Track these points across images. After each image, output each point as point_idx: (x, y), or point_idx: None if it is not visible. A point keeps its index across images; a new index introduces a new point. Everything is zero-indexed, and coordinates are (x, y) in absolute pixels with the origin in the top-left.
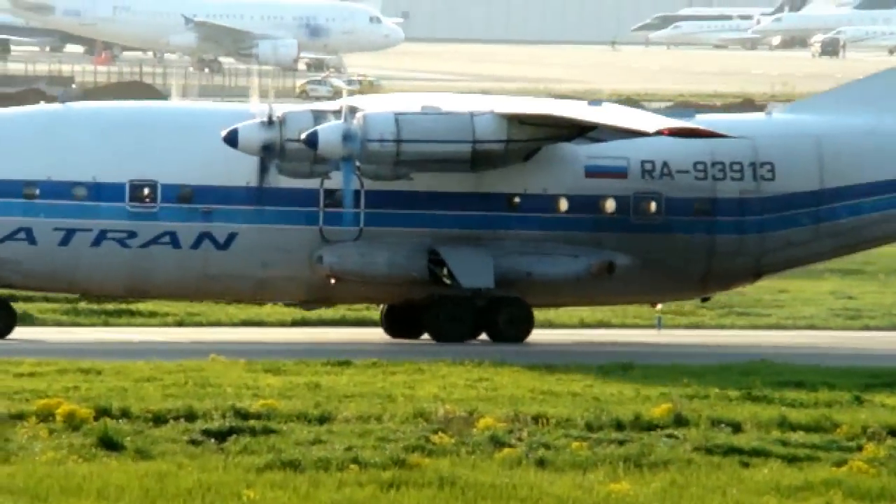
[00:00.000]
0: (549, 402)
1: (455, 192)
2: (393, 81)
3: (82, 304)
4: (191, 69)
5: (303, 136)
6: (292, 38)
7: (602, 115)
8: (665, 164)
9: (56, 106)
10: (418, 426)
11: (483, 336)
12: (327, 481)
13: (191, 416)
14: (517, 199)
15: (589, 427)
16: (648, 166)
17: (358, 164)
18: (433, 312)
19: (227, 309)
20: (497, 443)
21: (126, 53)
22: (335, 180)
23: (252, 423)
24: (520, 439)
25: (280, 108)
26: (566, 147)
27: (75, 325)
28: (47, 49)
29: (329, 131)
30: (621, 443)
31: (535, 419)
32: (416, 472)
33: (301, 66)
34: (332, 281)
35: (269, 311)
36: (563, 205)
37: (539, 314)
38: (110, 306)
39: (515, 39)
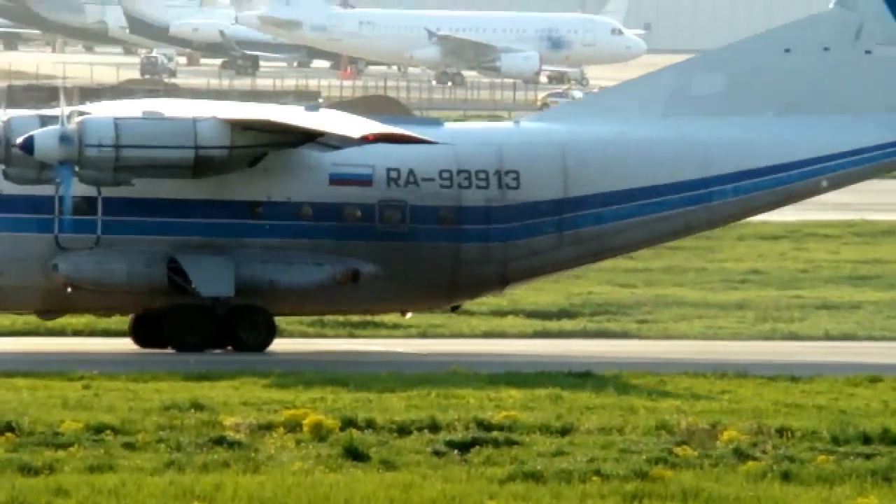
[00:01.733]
0: (794, 414)
1: (196, 200)
2: None
3: (328, 316)
4: (433, 82)
5: (19, 140)
6: (534, 50)
7: (314, 120)
8: (411, 172)
9: None
10: (661, 438)
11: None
12: (569, 493)
13: (434, 427)
14: (260, 207)
15: (835, 440)
16: (394, 174)
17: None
18: (172, 322)
19: (470, 321)
20: (741, 455)
21: (371, 68)
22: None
23: (494, 434)
24: (764, 452)
25: (6, 113)
26: (311, 154)
27: (321, 337)
28: (295, 64)
29: (45, 136)
30: (868, 457)
31: (780, 432)
32: (659, 485)
33: (543, 78)
34: (69, 289)
35: (511, 322)
36: (307, 212)
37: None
38: (356, 318)
39: None
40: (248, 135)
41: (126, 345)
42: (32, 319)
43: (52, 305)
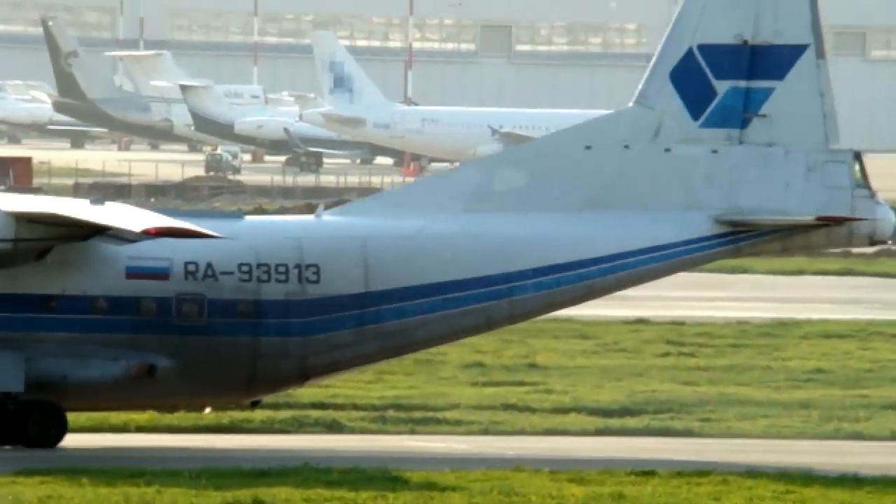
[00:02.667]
0: None
1: None
2: None
3: (390, 412)
4: None
5: None
6: None
7: (98, 214)
8: (209, 266)
9: None
10: None
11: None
12: None
13: None
14: (54, 301)
15: None
16: (192, 268)
17: None
18: None
19: (531, 418)
20: None
21: (433, 164)
22: None
23: None
24: None
25: None
26: (107, 247)
27: (382, 433)
28: (358, 161)
29: None
30: None
31: None
32: None
33: None
34: None
35: (573, 419)
36: (103, 306)
37: None
38: (417, 414)
39: None
40: (34, 228)
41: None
42: (97, 416)
43: None
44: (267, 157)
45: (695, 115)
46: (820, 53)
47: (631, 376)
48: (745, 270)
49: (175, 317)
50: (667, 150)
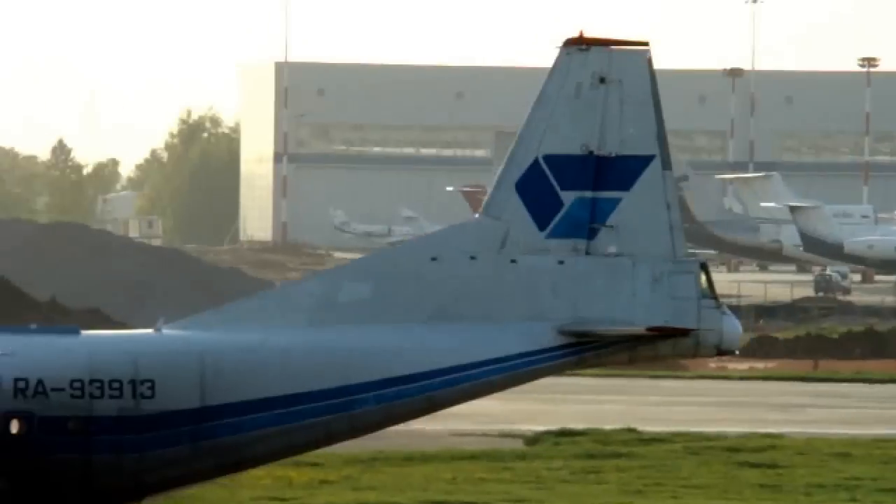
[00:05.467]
0: None
1: None
2: None
3: None
4: None
5: None
6: None
7: None
8: (40, 382)
9: None
10: None
11: None
12: None
13: None
14: None
15: None
16: (21, 384)
17: None
18: None
19: None
20: None
21: None
22: None
23: None
24: None
25: None
26: None
27: None
28: None
29: None
30: None
31: None
32: None
33: None
34: None
35: None
36: None
37: None
38: None
39: None
40: None
41: None
42: None
43: None
44: (877, 277)
45: (541, 225)
46: (666, 164)
47: None
48: None
49: (3, 435)
50: (513, 261)
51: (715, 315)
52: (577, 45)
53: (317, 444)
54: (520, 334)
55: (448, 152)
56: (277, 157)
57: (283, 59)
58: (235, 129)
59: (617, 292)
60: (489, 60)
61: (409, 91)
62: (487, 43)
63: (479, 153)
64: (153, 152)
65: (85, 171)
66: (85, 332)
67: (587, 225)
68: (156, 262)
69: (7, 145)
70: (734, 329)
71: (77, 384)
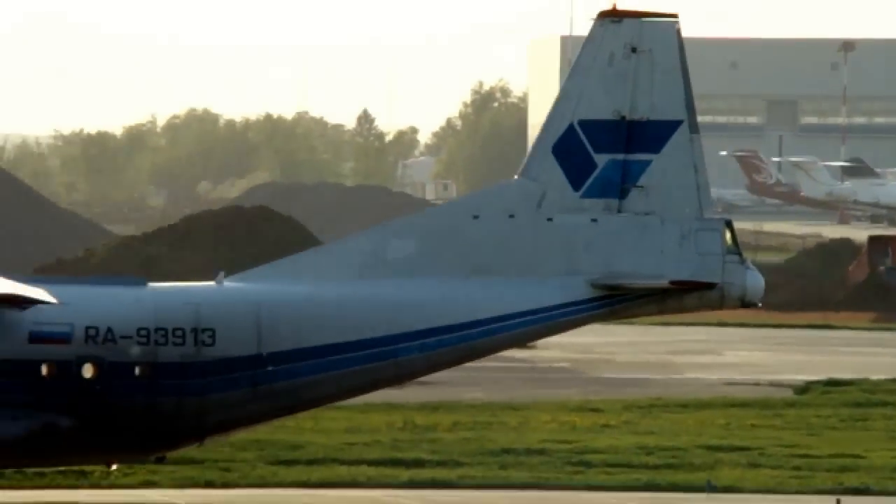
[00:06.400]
0: None
1: None
2: None
3: None
4: None
5: None
6: None
7: None
8: (109, 330)
9: None
10: None
11: None
12: None
13: None
14: None
15: None
16: (92, 332)
17: None
18: None
19: None
20: None
21: None
22: None
23: None
24: None
25: None
26: (10, 314)
27: None
28: None
29: None
30: None
31: None
32: None
33: None
34: None
35: None
36: (7, 369)
37: None
38: None
39: None
40: None
41: None
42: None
43: None
44: None
45: (576, 186)
46: (693, 128)
47: None
48: None
49: (76, 378)
50: (549, 219)
51: (739, 269)
52: (611, 16)
53: (363, 390)
54: (555, 287)
55: (722, 119)
56: None
57: (567, 34)
58: (523, 100)
59: (646, 248)
60: (763, 33)
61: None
62: (763, 15)
63: (752, 120)
64: (448, 121)
65: (387, 139)
66: (151, 284)
67: (619, 185)
68: None
69: (317, 115)
70: (757, 282)
71: (143, 332)
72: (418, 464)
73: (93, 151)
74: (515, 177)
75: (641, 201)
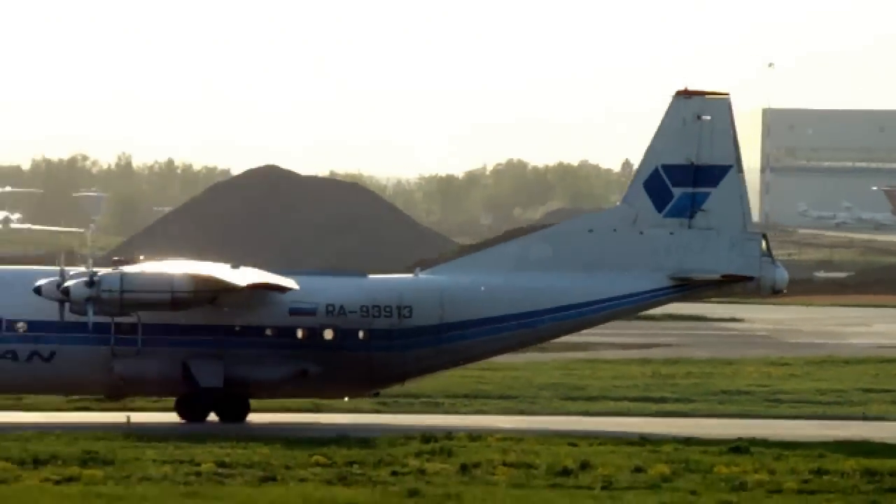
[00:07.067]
0: None
1: (200, 324)
2: None
3: None
4: None
5: (58, 289)
6: None
7: (229, 275)
8: (341, 306)
9: None
10: None
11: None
12: None
13: None
14: (239, 328)
15: None
16: (331, 308)
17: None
18: (183, 403)
19: None
20: None
21: None
22: (132, 318)
23: None
24: None
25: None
26: (277, 296)
27: None
28: None
29: (75, 286)
30: None
31: None
32: None
33: None
34: (122, 382)
35: None
36: (274, 332)
37: None
38: None
39: None
40: (203, 284)
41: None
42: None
43: (112, 392)
44: None
45: (659, 209)
46: (739, 169)
47: None
48: None
49: (320, 339)
50: (641, 232)
51: (770, 267)
52: (684, 94)
53: (512, 349)
54: (645, 278)
55: (874, 165)
56: (762, 169)
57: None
58: None
59: (707, 252)
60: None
61: (843, 126)
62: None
63: (893, 165)
64: None
65: None
66: (370, 276)
67: (689, 209)
68: None
69: (594, 162)
70: (783, 276)
71: (364, 308)
72: (663, 400)
73: (443, 187)
74: (617, 203)
75: (704, 220)
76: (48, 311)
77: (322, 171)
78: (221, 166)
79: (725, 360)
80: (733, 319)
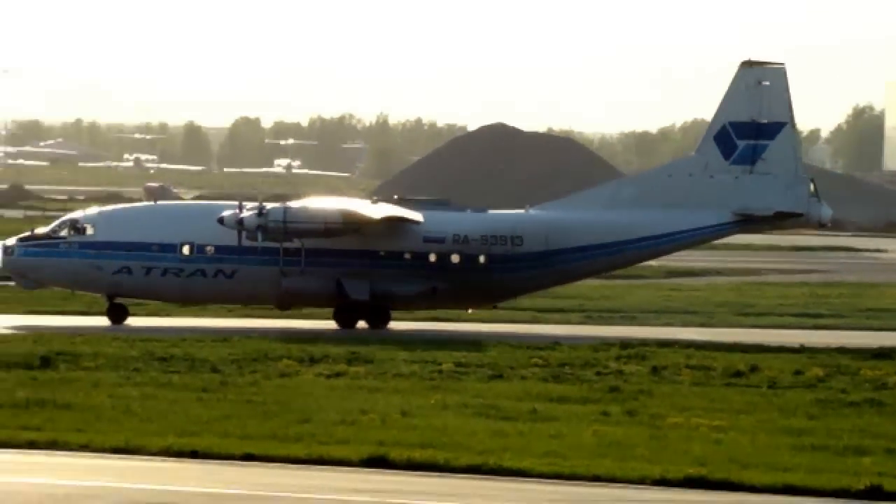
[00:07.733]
0: None
1: (350, 249)
2: None
3: None
4: None
5: (235, 220)
6: None
7: (369, 210)
8: (465, 236)
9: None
10: None
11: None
12: None
13: None
14: (383, 252)
15: None
16: (456, 237)
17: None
18: (338, 312)
19: None
20: None
21: None
22: (296, 244)
23: None
24: None
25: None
26: (413, 227)
27: None
28: None
29: (248, 218)
30: None
31: None
32: None
33: None
34: (288, 295)
35: None
36: (410, 256)
37: None
38: None
39: None
40: (349, 217)
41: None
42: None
43: (282, 303)
44: None
45: (726, 157)
46: (792, 125)
47: None
48: None
49: (448, 262)
50: (711, 177)
51: (816, 205)
52: (748, 64)
53: (605, 271)
54: (714, 215)
55: None
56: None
57: None
58: (879, 117)
59: (765, 193)
60: None
61: None
62: None
63: None
64: (838, 126)
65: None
66: (489, 211)
67: (751, 158)
68: None
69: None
70: (827, 212)
71: (484, 237)
72: (819, 316)
73: (640, 142)
74: (692, 153)
75: (763, 167)
76: (230, 238)
77: (541, 127)
78: (460, 123)
79: (871, 283)
80: (878, 250)
